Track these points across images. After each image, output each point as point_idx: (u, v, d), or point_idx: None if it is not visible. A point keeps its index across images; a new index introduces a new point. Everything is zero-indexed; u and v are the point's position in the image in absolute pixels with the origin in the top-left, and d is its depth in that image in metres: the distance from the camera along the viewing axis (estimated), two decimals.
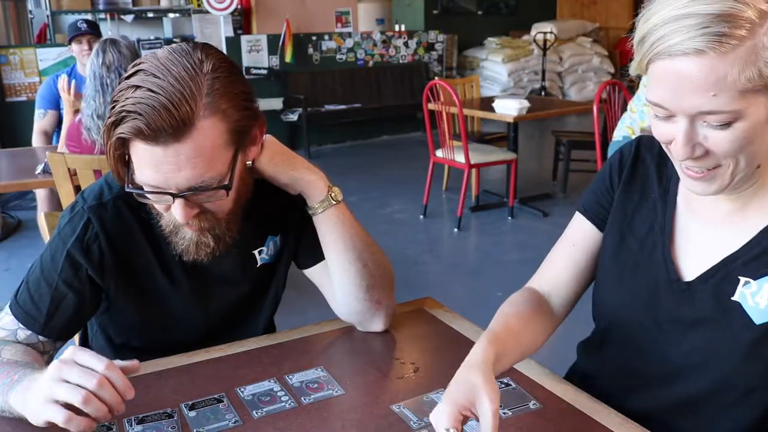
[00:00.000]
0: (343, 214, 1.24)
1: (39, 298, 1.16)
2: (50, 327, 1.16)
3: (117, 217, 1.18)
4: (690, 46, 0.82)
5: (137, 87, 0.98)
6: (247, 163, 1.14)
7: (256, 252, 1.30)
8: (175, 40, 6.71)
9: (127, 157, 1.04)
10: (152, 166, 1.00)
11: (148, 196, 1.05)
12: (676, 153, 0.90)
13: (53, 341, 1.18)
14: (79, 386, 0.89)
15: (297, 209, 1.29)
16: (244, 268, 1.29)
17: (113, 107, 1.00)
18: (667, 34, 0.83)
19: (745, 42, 0.81)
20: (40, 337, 1.16)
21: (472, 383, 0.88)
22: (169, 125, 0.96)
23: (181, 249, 1.15)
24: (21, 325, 1.15)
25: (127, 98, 0.98)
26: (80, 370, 0.90)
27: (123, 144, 1.02)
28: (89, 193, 1.19)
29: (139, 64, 1.02)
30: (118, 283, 1.20)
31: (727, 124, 0.85)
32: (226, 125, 1.02)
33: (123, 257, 1.19)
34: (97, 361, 0.91)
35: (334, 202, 1.23)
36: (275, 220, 1.31)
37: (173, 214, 1.07)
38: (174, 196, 1.03)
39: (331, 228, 1.24)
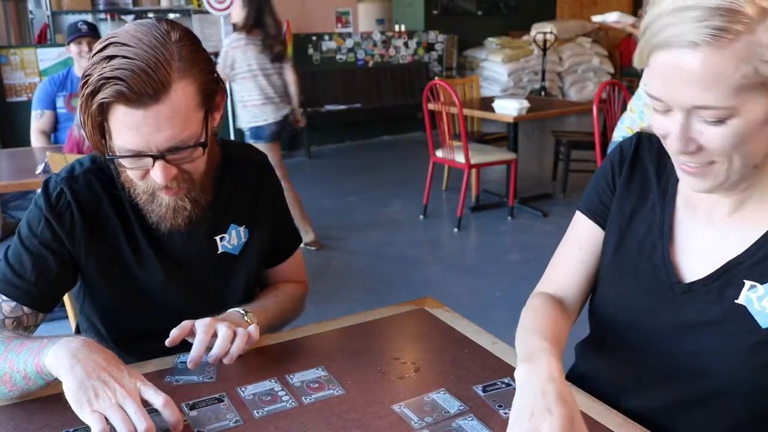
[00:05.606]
0: (263, 318, 1.28)
1: (21, 267, 1.20)
2: (33, 295, 1.20)
3: (88, 188, 1.24)
4: (687, 38, 0.82)
5: (112, 57, 1.04)
6: (213, 127, 1.20)
7: (217, 238, 1.33)
8: None
9: (105, 126, 1.09)
10: (133, 129, 1.06)
11: (127, 162, 1.11)
12: (670, 146, 0.91)
13: (36, 313, 1.22)
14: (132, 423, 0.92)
15: (268, 205, 1.38)
16: (205, 251, 1.33)
17: (87, 80, 1.06)
18: (667, 26, 0.84)
19: (741, 37, 0.81)
20: (25, 308, 1.20)
21: (573, 404, 0.85)
22: (150, 87, 1.03)
23: (157, 217, 1.20)
24: (5, 297, 1.19)
25: (103, 68, 1.04)
26: (136, 409, 0.93)
27: (102, 111, 1.07)
28: (61, 170, 1.26)
29: (109, 38, 1.07)
30: (87, 252, 1.24)
31: (721, 121, 0.85)
32: (196, 87, 1.10)
33: (92, 227, 1.24)
34: (156, 398, 0.96)
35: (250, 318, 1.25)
36: (239, 210, 1.35)
37: (152, 178, 1.12)
38: (154, 158, 1.09)
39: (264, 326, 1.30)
